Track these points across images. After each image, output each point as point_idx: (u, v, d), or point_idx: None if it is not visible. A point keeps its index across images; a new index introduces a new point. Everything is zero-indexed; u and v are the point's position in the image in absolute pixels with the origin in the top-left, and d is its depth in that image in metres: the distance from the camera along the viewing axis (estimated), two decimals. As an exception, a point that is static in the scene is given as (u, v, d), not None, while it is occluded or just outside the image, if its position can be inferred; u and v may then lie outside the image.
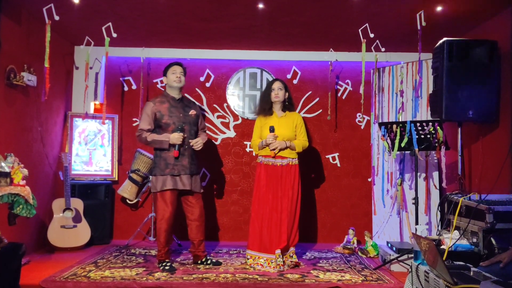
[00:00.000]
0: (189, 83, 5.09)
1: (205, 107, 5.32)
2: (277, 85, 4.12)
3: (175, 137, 3.80)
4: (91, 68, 5.19)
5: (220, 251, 4.62)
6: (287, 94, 4.16)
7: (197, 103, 5.20)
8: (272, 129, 3.94)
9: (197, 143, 3.94)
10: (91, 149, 5.13)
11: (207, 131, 5.28)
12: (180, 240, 4.94)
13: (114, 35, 4.32)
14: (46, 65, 3.87)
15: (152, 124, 3.89)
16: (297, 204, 4.03)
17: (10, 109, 4.01)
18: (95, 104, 5.20)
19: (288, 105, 4.18)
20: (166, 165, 3.85)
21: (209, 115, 5.35)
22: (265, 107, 4.14)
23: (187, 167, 3.89)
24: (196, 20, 4.31)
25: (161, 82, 5.33)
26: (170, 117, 3.89)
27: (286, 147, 3.98)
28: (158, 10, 4.09)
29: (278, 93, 4.09)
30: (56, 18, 3.83)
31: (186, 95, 4.87)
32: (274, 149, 3.95)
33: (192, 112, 4.03)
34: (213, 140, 5.31)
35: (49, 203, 4.58)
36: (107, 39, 4.32)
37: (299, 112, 5.24)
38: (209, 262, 4.01)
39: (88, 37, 4.70)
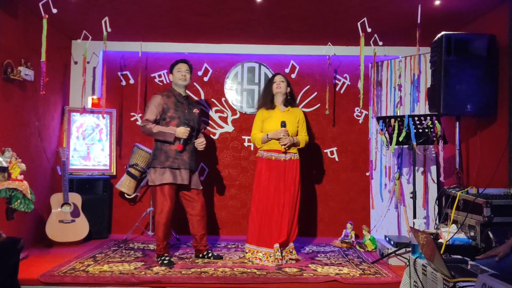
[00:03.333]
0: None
1: (203, 101, 5.32)
2: (278, 77, 4.13)
3: (181, 131, 3.81)
4: (88, 62, 5.16)
5: (218, 245, 4.62)
6: (288, 88, 4.16)
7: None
8: (284, 124, 3.92)
9: (201, 143, 3.97)
10: (89, 143, 5.12)
11: (205, 126, 5.30)
12: (180, 234, 4.95)
13: (109, 29, 4.30)
14: (43, 59, 3.86)
15: (158, 116, 3.90)
16: (297, 199, 4.03)
17: (8, 103, 4.00)
18: (92, 99, 5.18)
19: (291, 100, 4.18)
20: (167, 158, 3.85)
21: (207, 109, 5.34)
22: (267, 99, 4.13)
23: (187, 162, 3.90)
24: (193, 14, 4.30)
25: (159, 76, 5.34)
26: (176, 111, 3.92)
27: (294, 143, 3.99)
28: (156, 5, 4.07)
29: (280, 84, 4.09)
30: (54, 11, 3.81)
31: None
32: (284, 145, 3.94)
33: (196, 110, 4.07)
34: (211, 135, 5.31)
35: (47, 198, 4.57)
36: (105, 33, 4.30)
37: (297, 106, 5.24)
38: (210, 255, 4.03)
39: (86, 31, 4.67)
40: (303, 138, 4.09)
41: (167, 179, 3.81)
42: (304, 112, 4.44)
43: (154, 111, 3.88)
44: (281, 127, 3.93)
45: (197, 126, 4.08)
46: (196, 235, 4.02)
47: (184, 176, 3.88)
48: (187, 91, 4.18)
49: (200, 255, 4.05)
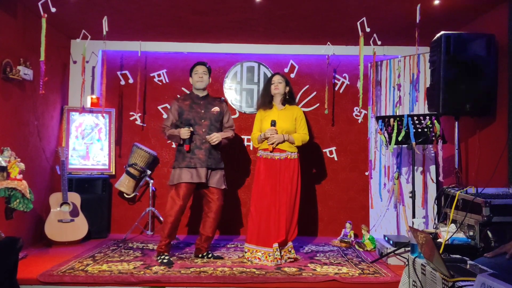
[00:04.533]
0: (187, 77, 5.08)
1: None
2: (276, 78, 4.14)
3: (182, 132, 3.90)
4: (87, 62, 5.15)
5: (217, 245, 4.62)
6: (287, 88, 4.16)
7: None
8: (273, 123, 3.94)
9: (212, 138, 3.96)
10: (88, 143, 5.12)
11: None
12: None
13: (107, 29, 4.29)
14: (42, 58, 3.85)
15: (174, 120, 4.06)
16: (296, 198, 4.01)
17: (7, 103, 3.99)
18: (92, 98, 5.17)
19: (289, 99, 4.18)
20: (184, 158, 3.94)
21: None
22: (265, 100, 4.15)
23: (204, 161, 3.93)
24: (193, 13, 4.30)
25: (158, 76, 5.34)
26: (189, 113, 4.01)
27: (284, 141, 3.98)
28: (155, 4, 4.06)
29: (277, 86, 4.09)
30: (53, 10, 3.80)
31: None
32: (272, 143, 3.94)
33: (215, 109, 4.09)
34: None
35: (46, 197, 4.57)
36: (104, 33, 4.30)
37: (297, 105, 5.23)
38: (210, 256, 4.03)
39: (85, 31, 4.67)
40: (300, 136, 4.05)
41: (184, 179, 3.88)
42: (303, 111, 4.44)
43: (170, 117, 4.07)
44: (271, 125, 3.94)
45: (217, 124, 4.07)
46: (203, 235, 4.05)
47: (202, 174, 3.91)
48: (207, 91, 4.19)
49: (200, 255, 4.05)
